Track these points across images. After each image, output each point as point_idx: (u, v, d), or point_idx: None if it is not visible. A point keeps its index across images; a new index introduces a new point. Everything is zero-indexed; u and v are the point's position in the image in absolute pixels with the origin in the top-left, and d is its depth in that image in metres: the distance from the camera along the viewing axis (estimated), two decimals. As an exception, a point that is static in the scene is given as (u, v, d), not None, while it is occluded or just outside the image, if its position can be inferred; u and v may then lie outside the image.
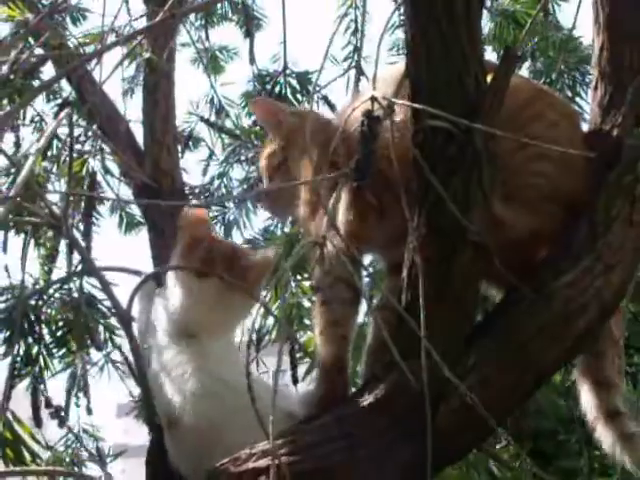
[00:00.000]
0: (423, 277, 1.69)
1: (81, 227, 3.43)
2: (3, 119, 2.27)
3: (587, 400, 1.99)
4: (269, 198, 2.21)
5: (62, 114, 2.02)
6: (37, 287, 3.50)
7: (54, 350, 3.68)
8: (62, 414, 1.70)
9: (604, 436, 1.95)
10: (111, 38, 3.23)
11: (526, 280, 1.81)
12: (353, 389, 1.96)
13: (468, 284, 1.80)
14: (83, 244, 3.45)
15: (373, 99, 1.60)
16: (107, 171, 3.59)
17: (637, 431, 1.93)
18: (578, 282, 1.82)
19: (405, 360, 1.75)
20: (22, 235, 3.82)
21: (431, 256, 1.73)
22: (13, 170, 3.47)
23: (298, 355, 3.51)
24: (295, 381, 3.80)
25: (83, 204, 3.10)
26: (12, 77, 3.12)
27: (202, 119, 4.26)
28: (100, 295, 3.58)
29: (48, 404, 1.70)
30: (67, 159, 3.38)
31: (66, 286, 3.65)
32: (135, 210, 4.59)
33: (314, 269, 1.92)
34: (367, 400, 1.83)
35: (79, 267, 3.27)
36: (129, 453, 3.92)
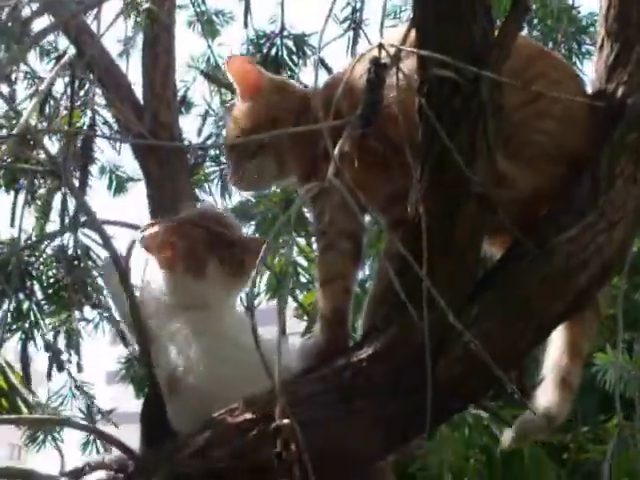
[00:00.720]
0: (426, 230, 1.67)
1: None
2: (8, 62, 2.23)
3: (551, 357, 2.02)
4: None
5: (65, 58, 2.00)
6: (30, 242, 3.49)
7: (45, 307, 3.69)
8: (61, 358, 1.69)
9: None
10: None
11: (528, 237, 1.81)
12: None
13: (472, 237, 1.79)
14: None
15: (380, 46, 1.58)
16: (105, 122, 3.58)
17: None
18: (580, 238, 1.81)
19: (406, 312, 1.75)
20: (12, 193, 3.81)
21: (434, 209, 1.72)
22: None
23: (298, 313, 3.52)
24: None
25: (80, 149, 3.07)
26: (10, 25, 3.08)
27: (202, 72, 4.24)
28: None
29: (48, 347, 1.69)
30: (64, 114, 3.38)
31: (59, 241, 3.65)
32: (127, 170, 4.59)
33: (317, 218, 1.91)
34: (366, 352, 1.82)
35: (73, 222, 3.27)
36: (119, 419, 3.93)
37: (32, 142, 2.70)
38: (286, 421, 1.28)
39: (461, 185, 1.71)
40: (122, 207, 4.72)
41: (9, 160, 2.48)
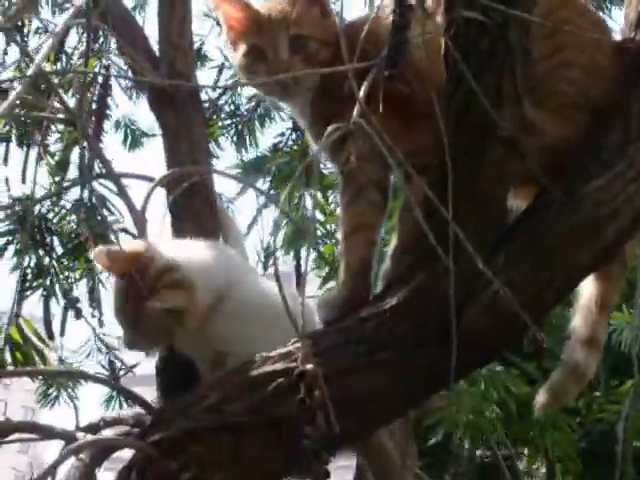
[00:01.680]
0: (452, 175, 1.63)
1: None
2: (21, 10, 2.19)
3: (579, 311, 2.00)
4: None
5: (77, 3, 1.95)
6: (47, 194, 3.46)
7: (65, 262, 3.67)
8: (78, 305, 1.66)
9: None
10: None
11: (555, 185, 1.76)
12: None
13: (498, 183, 1.75)
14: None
15: (405, -13, 1.53)
16: (120, 72, 3.54)
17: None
18: (609, 186, 1.77)
19: (431, 262, 1.71)
20: (24, 148, 3.77)
21: (460, 153, 1.67)
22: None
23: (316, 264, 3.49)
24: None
25: (96, 98, 3.02)
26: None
27: (219, 23, 4.19)
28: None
29: (65, 294, 1.66)
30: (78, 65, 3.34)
31: (77, 195, 3.63)
32: (140, 124, 4.55)
33: (341, 166, 1.87)
34: (390, 302, 1.79)
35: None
36: (136, 381, 3.92)
37: (46, 90, 2.67)
38: (310, 366, 1.24)
39: (487, 129, 1.67)
40: (137, 162, 4.71)
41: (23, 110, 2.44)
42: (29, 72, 1.62)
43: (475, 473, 3.33)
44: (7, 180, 3.76)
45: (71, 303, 1.54)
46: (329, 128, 1.42)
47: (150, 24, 3.56)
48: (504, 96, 1.66)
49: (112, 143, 4.31)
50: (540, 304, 1.79)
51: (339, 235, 1.95)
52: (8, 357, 3.08)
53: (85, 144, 3.19)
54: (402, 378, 1.78)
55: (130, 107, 4.83)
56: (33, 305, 3.64)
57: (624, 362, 3.20)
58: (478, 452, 3.52)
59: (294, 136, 4.23)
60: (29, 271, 3.49)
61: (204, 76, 4.41)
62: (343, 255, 1.92)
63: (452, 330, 1.62)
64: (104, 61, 3.47)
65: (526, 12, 1.64)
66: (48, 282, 3.57)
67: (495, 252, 1.75)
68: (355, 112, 1.42)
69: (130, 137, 4.53)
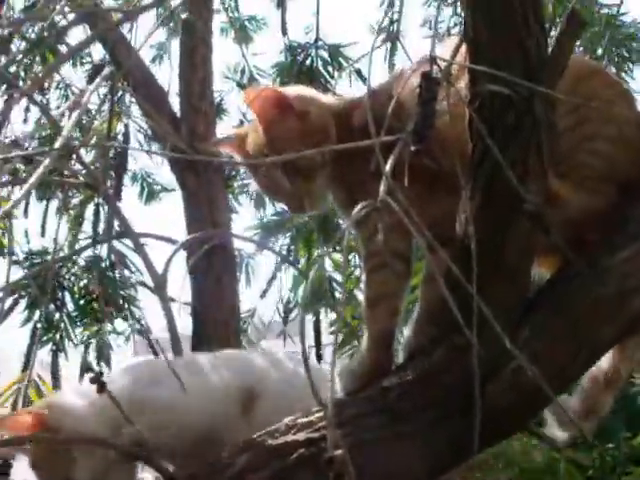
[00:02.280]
0: (476, 249, 1.62)
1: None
2: (44, 74, 2.21)
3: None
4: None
5: (105, 71, 1.97)
6: (63, 253, 3.47)
7: (76, 318, 3.67)
8: (102, 379, 1.65)
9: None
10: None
11: (579, 257, 1.75)
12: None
13: (523, 257, 1.74)
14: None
15: (432, 59, 1.53)
16: (140, 130, 3.56)
17: None
18: (636, 258, 1.75)
19: (453, 335, 1.71)
20: (44, 202, 3.79)
21: (484, 227, 1.67)
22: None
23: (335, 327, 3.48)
24: (319, 357, 3.77)
25: (114, 159, 3.04)
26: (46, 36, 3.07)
27: (239, 85, 4.23)
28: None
29: (89, 369, 1.66)
30: (97, 125, 3.36)
31: (92, 252, 3.64)
32: (159, 178, 4.57)
33: (366, 238, 1.86)
34: (413, 374, 1.78)
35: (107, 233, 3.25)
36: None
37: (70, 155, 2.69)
38: (339, 452, 1.23)
39: (513, 203, 1.66)
40: (154, 216, 4.71)
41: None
42: (57, 145, 1.64)
43: None
44: (27, 232, 3.78)
45: (97, 377, 1.54)
46: (357, 207, 1.42)
47: (166, 73, 3.59)
48: (530, 170, 1.66)
49: (127, 195, 4.34)
50: (565, 377, 1.78)
51: (361, 301, 1.94)
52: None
53: (102, 201, 3.21)
54: (425, 449, 1.77)
55: (146, 159, 4.86)
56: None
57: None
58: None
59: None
60: (39, 325, 3.51)
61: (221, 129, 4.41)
62: (366, 324, 1.91)
63: (476, 404, 1.60)
64: (124, 120, 3.49)
65: (551, 86, 1.65)
66: (58, 337, 3.60)
67: (519, 325, 1.74)
68: (382, 188, 1.42)
69: (146, 190, 4.55)
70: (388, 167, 1.44)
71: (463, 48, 1.69)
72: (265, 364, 2.18)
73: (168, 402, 2.04)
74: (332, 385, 1.38)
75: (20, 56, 3.28)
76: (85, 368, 1.64)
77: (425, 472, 1.82)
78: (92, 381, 1.66)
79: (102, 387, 1.66)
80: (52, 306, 3.62)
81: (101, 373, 1.69)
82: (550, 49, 1.66)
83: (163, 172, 4.34)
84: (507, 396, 1.72)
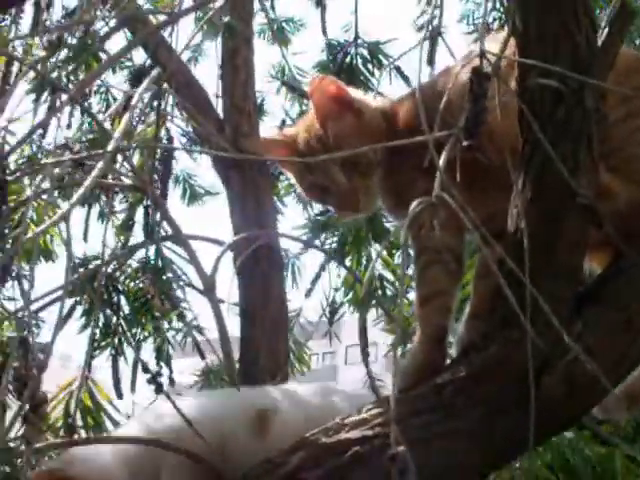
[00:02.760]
0: (528, 244, 1.62)
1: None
2: (88, 80, 2.23)
3: None
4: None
5: (152, 73, 1.98)
6: (115, 255, 3.49)
7: (132, 320, 3.69)
8: (159, 380, 1.66)
9: None
10: (187, 3, 3.20)
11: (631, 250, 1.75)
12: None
13: (575, 251, 1.73)
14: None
15: (482, 55, 1.53)
16: (185, 135, 3.58)
17: None
18: (687, 250, 1.74)
19: (506, 330, 1.71)
20: (85, 206, 3.81)
21: (537, 221, 1.67)
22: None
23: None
24: (366, 355, 3.76)
25: (160, 162, 3.06)
26: (89, 42, 3.10)
27: (284, 83, 4.24)
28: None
29: (146, 369, 1.67)
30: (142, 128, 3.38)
31: (142, 255, 3.66)
32: (202, 182, 4.58)
33: (417, 235, 1.86)
34: (466, 370, 1.77)
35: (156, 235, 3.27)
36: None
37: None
38: (401, 449, 1.23)
39: (564, 197, 1.65)
40: (197, 218, 4.73)
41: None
42: (109, 148, 1.66)
43: None
44: (68, 239, 3.79)
45: (154, 378, 1.56)
46: (413, 204, 1.42)
47: (203, 75, 3.60)
48: (581, 163, 1.66)
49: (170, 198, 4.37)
50: (619, 369, 1.77)
51: (413, 300, 1.94)
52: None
53: (151, 204, 3.24)
54: (480, 445, 1.76)
55: (189, 162, 4.88)
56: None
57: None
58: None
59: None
60: (97, 331, 3.53)
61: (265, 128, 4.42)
62: (419, 321, 1.91)
63: (531, 397, 1.60)
64: (167, 122, 3.51)
65: (601, 78, 1.64)
66: (116, 341, 3.62)
67: (572, 319, 1.73)
68: (436, 185, 1.42)
69: (189, 192, 4.56)
70: (442, 162, 1.44)
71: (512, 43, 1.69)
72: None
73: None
74: (394, 381, 1.39)
75: (59, 62, 3.30)
76: (143, 368, 1.63)
77: (480, 467, 1.82)
78: (149, 382, 1.68)
79: (159, 388, 1.67)
80: (108, 310, 3.65)
81: (158, 374, 1.70)
82: (600, 41, 1.66)
83: (206, 175, 4.38)
84: (562, 388, 1.71)
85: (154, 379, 1.65)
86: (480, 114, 1.50)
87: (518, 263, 1.60)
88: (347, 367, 24.66)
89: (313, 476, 1.82)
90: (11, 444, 1.90)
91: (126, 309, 3.66)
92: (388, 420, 1.70)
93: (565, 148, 1.64)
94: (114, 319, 3.56)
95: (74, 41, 3.37)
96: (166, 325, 3.60)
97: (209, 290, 2.23)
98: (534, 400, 1.60)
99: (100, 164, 1.54)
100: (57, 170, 1.91)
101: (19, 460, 1.99)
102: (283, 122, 4.46)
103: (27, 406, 1.61)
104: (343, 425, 1.85)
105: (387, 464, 1.25)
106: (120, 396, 3.30)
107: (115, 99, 4.06)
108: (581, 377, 1.65)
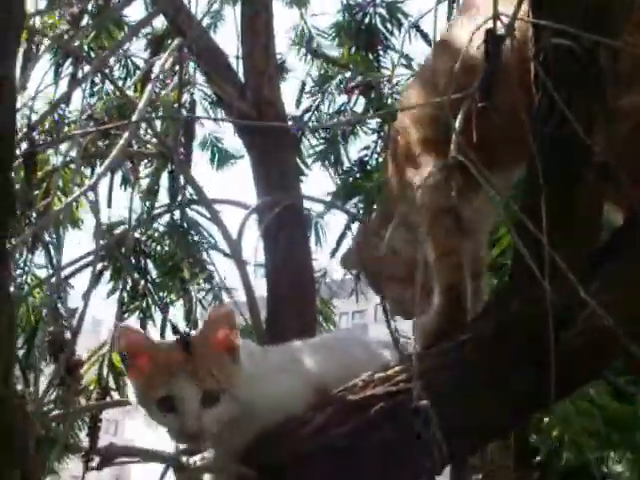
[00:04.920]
0: (545, 202, 1.64)
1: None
2: (111, 49, 2.26)
3: None
4: None
5: (176, 42, 2.01)
6: (141, 219, 3.53)
7: (159, 284, 3.74)
8: (188, 340, 1.70)
9: None
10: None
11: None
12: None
13: (592, 207, 1.76)
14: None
15: (496, 17, 1.55)
16: (207, 99, 3.61)
17: None
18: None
19: (526, 287, 1.74)
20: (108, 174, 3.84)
21: (553, 179, 1.69)
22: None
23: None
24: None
25: (183, 127, 3.09)
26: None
27: (305, 47, 4.25)
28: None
29: (175, 330, 1.71)
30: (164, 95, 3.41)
31: (167, 220, 3.70)
32: (227, 145, 4.60)
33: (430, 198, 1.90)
34: (487, 327, 1.81)
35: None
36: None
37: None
38: (424, 402, 1.27)
39: (580, 155, 1.68)
40: (220, 183, 4.75)
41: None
42: (134, 117, 1.69)
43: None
44: (95, 204, 3.83)
45: (184, 339, 1.60)
46: (432, 167, 1.45)
47: (223, 39, 3.62)
48: (595, 122, 1.67)
49: (197, 163, 4.37)
50: (636, 325, 1.79)
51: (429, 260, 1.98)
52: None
53: (175, 169, 3.27)
54: (501, 400, 1.80)
55: (213, 126, 4.90)
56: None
57: None
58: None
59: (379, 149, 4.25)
60: (125, 294, 3.58)
61: (285, 90, 4.44)
62: (436, 279, 1.95)
63: (551, 350, 1.63)
64: (189, 88, 3.54)
65: (614, 36, 1.66)
66: (144, 305, 3.67)
67: (589, 276, 1.75)
68: (452, 146, 1.45)
69: (217, 156, 4.58)
70: (457, 124, 1.47)
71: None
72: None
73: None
74: (416, 336, 1.43)
75: (81, 31, 3.33)
76: (172, 329, 1.67)
77: (502, 422, 1.86)
78: (179, 342, 1.71)
79: (187, 348, 1.70)
80: (136, 275, 3.70)
81: (187, 334, 1.73)
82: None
83: (231, 140, 4.39)
84: (580, 343, 1.74)
85: (183, 339, 1.68)
86: (494, 75, 1.52)
87: (536, 222, 1.63)
88: (377, 325, 24.70)
89: (339, 432, 1.86)
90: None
91: (153, 273, 3.71)
92: (411, 376, 1.74)
93: (580, 107, 1.66)
94: (142, 283, 3.61)
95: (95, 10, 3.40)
96: (195, 287, 3.65)
97: (235, 252, 2.26)
98: (553, 356, 1.64)
99: (126, 134, 1.57)
100: (83, 140, 1.94)
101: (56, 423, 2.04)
102: (303, 84, 4.48)
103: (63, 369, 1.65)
104: (368, 382, 1.89)
105: (410, 417, 1.29)
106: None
107: (136, 66, 4.09)
108: (599, 332, 1.68)
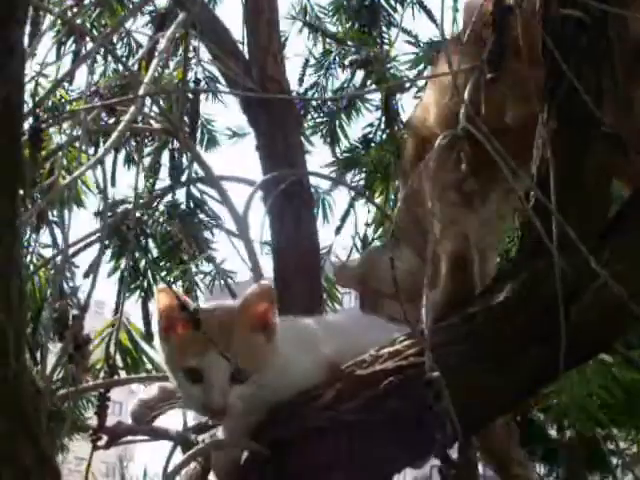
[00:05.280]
0: (554, 173, 1.64)
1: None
2: (116, 25, 2.25)
3: None
4: None
5: (180, 17, 1.99)
6: (144, 198, 3.52)
7: (162, 263, 3.74)
8: (198, 317, 1.69)
9: None
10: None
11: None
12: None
13: (600, 179, 1.74)
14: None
15: (503, -12, 1.54)
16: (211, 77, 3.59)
17: None
18: None
19: (535, 259, 1.73)
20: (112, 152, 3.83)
21: (561, 151, 1.68)
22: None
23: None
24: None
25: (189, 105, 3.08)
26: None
27: (305, 23, 4.23)
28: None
29: (183, 307, 1.70)
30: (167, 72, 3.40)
31: (171, 197, 3.69)
32: (217, 126, 4.56)
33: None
34: (496, 299, 1.80)
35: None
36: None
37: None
38: (436, 374, 1.27)
39: (589, 126, 1.67)
40: (221, 162, 4.72)
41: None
42: (140, 92, 1.68)
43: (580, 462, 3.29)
44: (97, 184, 3.83)
45: (191, 315, 1.59)
46: (439, 138, 1.44)
47: (226, 16, 3.59)
48: (605, 92, 1.67)
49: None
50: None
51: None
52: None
53: (179, 147, 3.26)
54: (511, 373, 1.79)
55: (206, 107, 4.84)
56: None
57: None
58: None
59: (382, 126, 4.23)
60: (126, 274, 3.57)
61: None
62: (442, 251, 1.95)
63: (561, 322, 1.63)
64: (194, 67, 3.52)
65: (624, 6, 1.65)
66: (145, 284, 3.66)
67: (599, 247, 1.74)
68: (461, 116, 1.44)
69: (206, 137, 4.54)
70: (466, 95, 1.46)
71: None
72: None
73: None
74: (427, 309, 1.42)
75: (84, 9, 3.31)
76: (180, 307, 1.65)
77: (511, 394, 1.85)
78: (188, 318, 1.70)
79: (197, 324, 1.69)
80: (137, 254, 3.69)
81: (196, 310, 1.72)
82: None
83: (232, 118, 4.35)
84: (591, 315, 1.73)
85: (192, 315, 1.67)
86: (504, 47, 1.51)
87: (545, 191, 1.63)
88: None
89: (349, 407, 1.86)
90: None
91: (154, 252, 3.71)
92: (421, 350, 1.74)
93: (589, 78, 1.65)
94: (142, 262, 3.61)
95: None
96: (194, 268, 3.65)
97: (242, 229, 2.25)
98: (563, 327, 1.63)
99: (132, 109, 1.56)
100: (88, 117, 1.93)
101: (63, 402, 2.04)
102: (306, 61, 4.46)
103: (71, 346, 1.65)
104: (377, 357, 1.88)
105: (422, 390, 1.28)
106: (151, 338, 3.34)
107: (138, 44, 4.07)
108: (610, 303, 1.67)
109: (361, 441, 1.85)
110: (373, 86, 4.18)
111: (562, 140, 1.70)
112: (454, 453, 1.51)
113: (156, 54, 1.85)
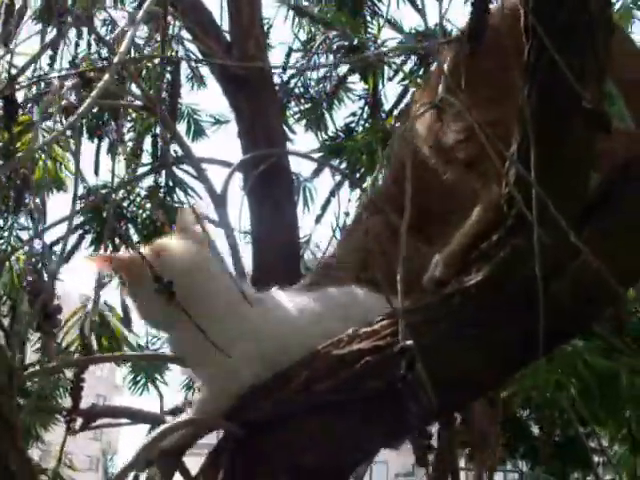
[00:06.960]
0: (535, 149, 1.62)
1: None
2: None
3: None
4: None
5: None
6: (123, 181, 3.49)
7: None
8: (173, 290, 1.66)
9: None
10: None
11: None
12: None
13: (582, 157, 1.73)
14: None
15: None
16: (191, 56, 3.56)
17: None
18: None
19: (514, 237, 1.71)
20: (95, 140, 3.80)
21: (543, 127, 1.66)
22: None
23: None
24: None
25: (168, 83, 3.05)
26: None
27: (290, 6, 4.20)
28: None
29: (157, 278, 1.68)
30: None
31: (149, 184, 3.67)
32: (202, 116, 4.53)
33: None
34: (475, 278, 1.78)
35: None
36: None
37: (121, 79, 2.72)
38: (410, 342, 1.25)
39: (571, 101, 1.65)
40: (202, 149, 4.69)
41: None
42: (115, 60, 1.65)
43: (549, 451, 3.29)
44: (80, 172, 3.79)
45: (166, 287, 1.57)
46: (420, 108, 1.42)
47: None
48: (586, 69, 1.64)
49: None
50: (628, 278, 1.77)
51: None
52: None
53: (160, 130, 3.23)
54: (490, 352, 1.78)
55: (192, 96, 4.82)
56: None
57: None
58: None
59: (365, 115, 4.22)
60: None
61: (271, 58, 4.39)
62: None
63: (540, 301, 1.61)
64: (174, 47, 3.49)
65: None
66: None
67: (580, 225, 1.72)
68: (441, 88, 1.42)
69: (193, 127, 4.52)
70: (446, 66, 1.44)
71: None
72: None
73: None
74: (400, 287, 1.40)
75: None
76: (155, 278, 1.63)
77: (491, 373, 1.84)
78: (159, 291, 1.68)
79: (171, 296, 1.67)
80: (117, 239, 3.66)
81: (170, 283, 1.70)
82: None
83: (216, 106, 4.33)
84: (571, 294, 1.71)
85: (165, 288, 1.65)
86: (484, 18, 1.49)
87: (526, 167, 1.61)
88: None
89: (325, 387, 1.84)
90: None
91: (135, 238, 3.68)
92: (398, 330, 1.72)
93: (570, 55, 1.63)
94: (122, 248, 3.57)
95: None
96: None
97: (220, 209, 2.23)
98: (542, 307, 1.61)
99: (106, 76, 1.53)
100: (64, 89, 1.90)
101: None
102: (290, 49, 4.43)
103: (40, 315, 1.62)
104: (354, 337, 1.86)
105: (397, 356, 1.26)
106: (129, 324, 3.32)
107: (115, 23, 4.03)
108: (590, 282, 1.66)
109: (336, 421, 1.83)
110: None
111: (543, 115, 1.67)
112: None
113: (132, 27, 1.80)
